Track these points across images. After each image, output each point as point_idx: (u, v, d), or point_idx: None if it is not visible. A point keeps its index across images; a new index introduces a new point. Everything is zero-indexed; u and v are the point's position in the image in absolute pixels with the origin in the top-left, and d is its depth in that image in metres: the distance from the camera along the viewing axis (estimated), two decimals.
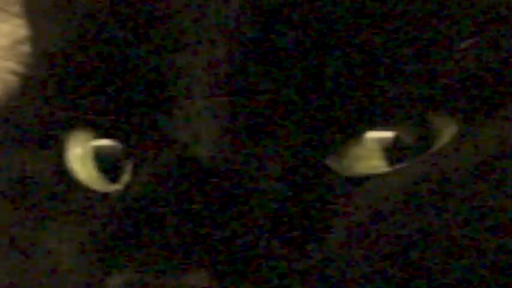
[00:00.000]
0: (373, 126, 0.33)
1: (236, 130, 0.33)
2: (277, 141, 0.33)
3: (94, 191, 0.37)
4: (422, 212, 0.32)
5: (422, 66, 0.32)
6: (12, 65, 0.42)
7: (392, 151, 0.33)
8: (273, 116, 0.33)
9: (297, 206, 0.33)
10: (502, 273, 0.31)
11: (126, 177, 0.36)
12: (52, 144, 0.39)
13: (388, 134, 0.33)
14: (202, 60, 0.34)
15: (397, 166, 0.33)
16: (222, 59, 0.33)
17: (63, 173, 0.38)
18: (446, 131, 0.33)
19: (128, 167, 0.36)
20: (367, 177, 0.33)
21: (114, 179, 0.37)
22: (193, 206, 0.32)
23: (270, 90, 0.33)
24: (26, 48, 0.42)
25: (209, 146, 0.33)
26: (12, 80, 0.42)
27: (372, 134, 0.33)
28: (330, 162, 0.33)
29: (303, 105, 0.33)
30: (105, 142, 0.37)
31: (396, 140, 0.33)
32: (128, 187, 0.35)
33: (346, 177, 0.33)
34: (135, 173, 0.35)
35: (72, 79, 0.37)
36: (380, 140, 0.33)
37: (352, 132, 0.33)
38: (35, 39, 0.42)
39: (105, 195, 0.36)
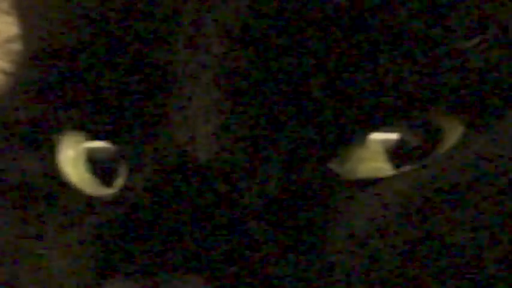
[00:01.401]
0: (377, 128, 0.32)
1: (235, 132, 0.32)
2: (277, 142, 0.32)
3: (87, 195, 0.36)
4: (428, 216, 0.31)
5: (427, 66, 0.32)
6: (2, 63, 0.42)
7: (397, 153, 0.32)
8: (273, 117, 0.32)
9: (298, 210, 0.32)
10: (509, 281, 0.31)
11: (120, 181, 0.35)
12: (43, 146, 0.38)
13: (392, 136, 0.32)
14: (200, 60, 0.33)
15: (402, 169, 0.32)
16: (220, 58, 0.33)
17: (55, 176, 0.37)
18: (452, 132, 0.32)
19: (122, 169, 0.35)
20: (371, 181, 0.32)
21: (108, 182, 0.36)
22: (190, 210, 0.32)
23: (270, 91, 0.32)
24: (16, 46, 0.42)
25: (207, 148, 0.32)
26: (2, 79, 0.41)
27: (376, 136, 0.32)
28: (333, 164, 0.33)
29: (304, 106, 0.32)
30: (98, 144, 0.36)
31: (401, 142, 0.32)
32: (122, 190, 0.35)
33: (349, 180, 0.33)
34: (129, 176, 0.35)
35: (64, 78, 0.36)
36: (384, 142, 0.32)
37: (356, 134, 0.32)
38: (25, 37, 0.42)
39: (99, 199, 0.36)
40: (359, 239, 0.31)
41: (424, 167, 0.32)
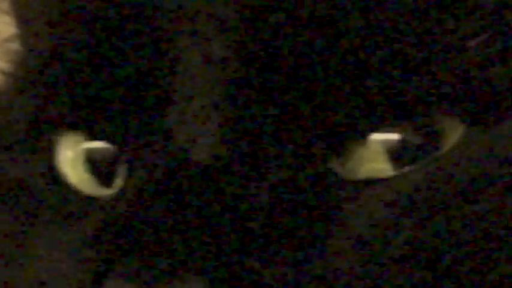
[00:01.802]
0: (378, 128, 0.32)
1: (235, 132, 0.32)
2: (277, 143, 0.32)
3: (86, 195, 0.36)
4: (429, 216, 0.31)
5: (429, 65, 0.31)
6: (1, 63, 0.41)
7: (398, 154, 0.32)
8: (273, 117, 0.32)
9: (298, 211, 0.32)
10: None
11: (119, 181, 0.35)
12: (42, 146, 0.38)
13: (393, 136, 0.32)
14: (199, 60, 0.33)
15: (403, 169, 0.32)
16: (219, 58, 0.33)
17: (53, 176, 0.37)
18: (453, 132, 0.32)
19: (122, 170, 0.35)
20: (372, 181, 0.32)
21: (107, 183, 0.36)
22: (190, 211, 0.31)
23: (270, 91, 0.32)
24: (15, 46, 0.42)
25: (206, 148, 0.32)
26: (1, 79, 0.41)
27: (377, 136, 0.32)
28: (333, 165, 0.32)
29: (304, 106, 0.32)
30: (97, 144, 0.36)
31: (402, 142, 0.32)
32: (121, 191, 0.34)
33: (349, 180, 0.32)
34: (128, 176, 0.34)
35: (63, 79, 0.36)
36: (385, 142, 0.32)
37: (356, 134, 0.32)
38: (24, 37, 0.41)
39: (98, 200, 0.36)
40: (360, 239, 0.31)
41: (425, 167, 0.32)
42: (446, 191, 0.31)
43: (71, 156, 0.37)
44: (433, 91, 0.32)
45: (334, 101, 0.32)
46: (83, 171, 0.37)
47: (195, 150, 0.32)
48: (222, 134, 0.32)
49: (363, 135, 0.32)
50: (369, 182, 0.32)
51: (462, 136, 0.32)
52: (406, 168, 0.32)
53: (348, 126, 0.32)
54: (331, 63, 0.32)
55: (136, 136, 0.34)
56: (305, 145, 0.32)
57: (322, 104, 0.32)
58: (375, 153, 0.32)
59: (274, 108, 0.32)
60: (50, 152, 0.37)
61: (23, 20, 0.42)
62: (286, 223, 0.32)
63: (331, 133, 0.32)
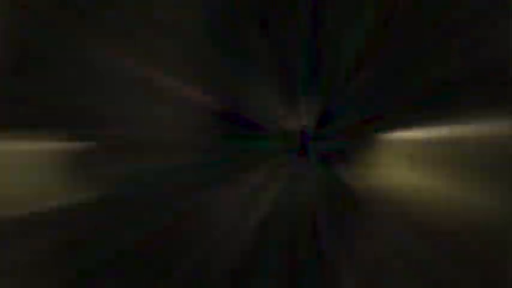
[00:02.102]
0: (395, 125, 0.29)
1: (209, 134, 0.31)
2: (273, 142, 0.30)
3: (52, 201, 0.33)
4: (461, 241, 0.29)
5: (458, 52, 0.30)
6: None
7: (421, 157, 0.29)
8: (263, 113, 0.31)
9: (297, 229, 0.30)
10: None
11: (89, 184, 0.32)
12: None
13: (416, 135, 0.29)
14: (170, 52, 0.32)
15: (427, 177, 0.29)
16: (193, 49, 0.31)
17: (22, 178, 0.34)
18: (489, 130, 0.30)
19: (90, 173, 0.33)
20: (388, 192, 0.29)
21: (74, 187, 0.33)
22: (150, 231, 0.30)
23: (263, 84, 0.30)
24: None
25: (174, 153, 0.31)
26: None
27: (396, 136, 0.29)
28: (337, 171, 0.30)
29: (302, 103, 0.30)
30: (68, 145, 0.33)
31: (425, 142, 0.29)
32: (73, 208, 0.32)
33: (360, 190, 0.30)
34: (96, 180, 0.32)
35: (34, 76, 0.34)
36: (405, 143, 0.29)
37: (367, 132, 0.29)
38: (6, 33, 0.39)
39: (66, 207, 0.33)
40: (372, 263, 0.29)
41: (452, 174, 0.29)
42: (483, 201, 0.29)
43: (39, 158, 0.34)
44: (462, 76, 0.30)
45: (337, 97, 0.30)
46: (49, 174, 0.34)
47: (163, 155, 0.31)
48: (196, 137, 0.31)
49: (374, 133, 0.29)
50: (384, 193, 0.29)
51: (501, 132, 0.30)
52: (431, 176, 0.29)
53: (355, 124, 0.30)
54: (329, 57, 0.30)
55: (110, 134, 0.32)
56: (304, 146, 0.30)
57: (324, 99, 0.30)
58: (394, 156, 0.28)
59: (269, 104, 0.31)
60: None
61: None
62: (283, 241, 0.30)
63: (332, 133, 0.30)
